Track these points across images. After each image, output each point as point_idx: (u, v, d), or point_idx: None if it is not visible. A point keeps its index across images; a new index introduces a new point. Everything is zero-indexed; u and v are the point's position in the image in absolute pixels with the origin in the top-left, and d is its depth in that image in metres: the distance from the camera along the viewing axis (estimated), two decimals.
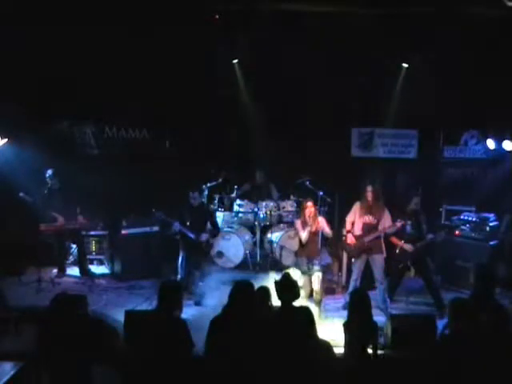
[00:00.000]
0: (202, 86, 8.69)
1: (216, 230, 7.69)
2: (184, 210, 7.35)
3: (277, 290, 4.74)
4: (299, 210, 7.75)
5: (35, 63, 8.16)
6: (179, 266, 7.26)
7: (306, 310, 4.61)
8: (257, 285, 5.87)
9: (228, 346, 4.24)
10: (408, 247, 7.06)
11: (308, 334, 4.15)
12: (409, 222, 7.11)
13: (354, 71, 8.64)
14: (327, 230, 6.86)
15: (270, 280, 4.95)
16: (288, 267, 7.49)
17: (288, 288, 4.72)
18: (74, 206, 8.08)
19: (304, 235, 6.74)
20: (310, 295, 6.79)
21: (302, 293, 5.97)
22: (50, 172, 7.98)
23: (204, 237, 7.32)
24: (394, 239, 7.10)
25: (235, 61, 8.93)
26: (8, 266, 7.93)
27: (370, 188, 6.98)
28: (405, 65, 8.81)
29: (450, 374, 4.10)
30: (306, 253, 6.79)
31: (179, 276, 7.22)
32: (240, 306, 4.39)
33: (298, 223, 6.91)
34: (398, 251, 7.11)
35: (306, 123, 9.08)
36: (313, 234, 6.77)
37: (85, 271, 8.20)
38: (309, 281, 6.74)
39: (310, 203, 6.83)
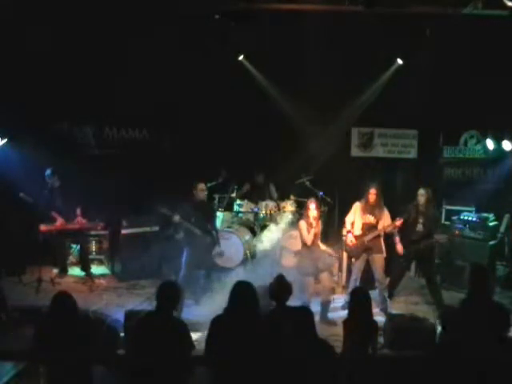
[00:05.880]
0: (201, 85, 8.68)
1: (215, 232, 7.54)
2: (185, 206, 7.22)
3: (271, 290, 4.75)
4: (301, 212, 7.56)
5: (35, 63, 8.17)
6: (183, 263, 7.14)
7: (304, 310, 4.60)
8: (256, 285, 5.86)
9: (228, 346, 4.25)
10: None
11: (306, 334, 4.14)
12: (420, 221, 7.12)
13: (354, 71, 8.64)
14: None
15: (269, 280, 4.96)
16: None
17: (283, 289, 4.73)
18: (75, 206, 8.06)
19: (309, 237, 6.67)
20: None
21: None
22: (48, 171, 7.95)
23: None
24: (396, 238, 7.11)
25: (241, 57, 8.92)
26: (8, 266, 7.94)
27: (373, 190, 6.95)
28: (400, 61, 8.81)
29: (449, 374, 4.11)
30: (310, 256, 6.71)
31: (182, 273, 7.09)
32: (241, 306, 4.38)
33: (303, 224, 6.74)
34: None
35: (306, 123, 9.07)
36: (315, 237, 6.77)
37: (87, 271, 8.18)
38: (313, 282, 6.73)
39: (313, 205, 6.73)
